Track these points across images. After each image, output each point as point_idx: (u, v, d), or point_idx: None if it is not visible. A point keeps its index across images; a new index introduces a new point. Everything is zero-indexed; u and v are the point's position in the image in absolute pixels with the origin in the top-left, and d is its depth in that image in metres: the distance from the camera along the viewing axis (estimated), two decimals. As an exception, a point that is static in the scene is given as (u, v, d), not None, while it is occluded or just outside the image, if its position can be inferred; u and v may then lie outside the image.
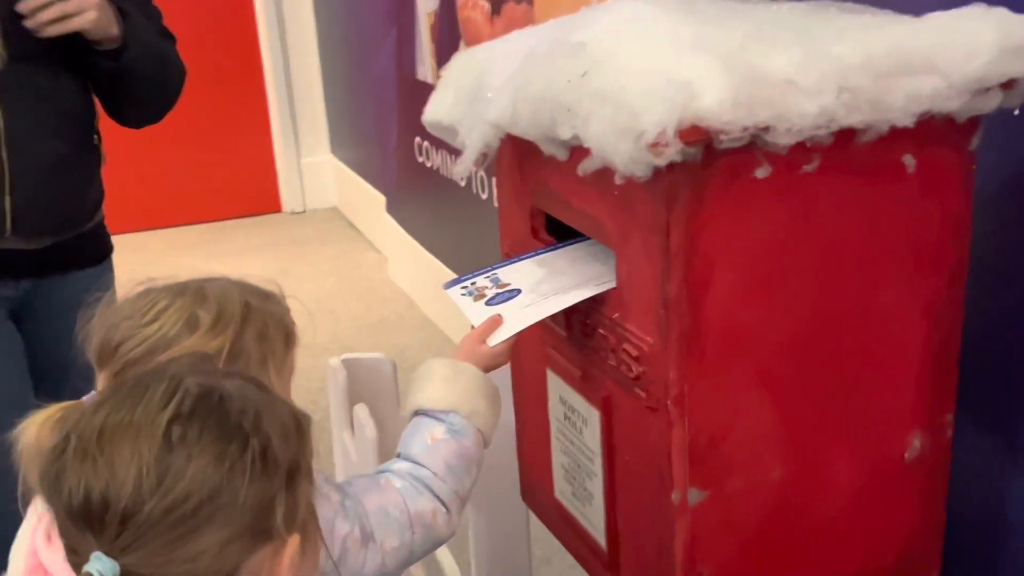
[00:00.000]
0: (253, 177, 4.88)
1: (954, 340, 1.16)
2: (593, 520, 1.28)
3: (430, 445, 1.14)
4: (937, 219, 1.11)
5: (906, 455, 1.18)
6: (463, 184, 2.85)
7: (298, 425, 0.84)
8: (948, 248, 1.12)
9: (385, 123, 3.78)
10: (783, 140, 0.98)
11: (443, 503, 1.13)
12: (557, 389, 1.30)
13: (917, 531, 1.22)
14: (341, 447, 1.75)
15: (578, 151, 1.08)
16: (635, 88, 0.99)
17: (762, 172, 1.02)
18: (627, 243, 1.09)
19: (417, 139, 3.36)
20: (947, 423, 1.19)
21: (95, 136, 1.62)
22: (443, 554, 1.26)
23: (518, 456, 1.48)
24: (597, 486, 1.25)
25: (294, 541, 0.81)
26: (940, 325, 1.14)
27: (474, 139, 1.18)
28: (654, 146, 0.96)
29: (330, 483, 1.09)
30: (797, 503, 1.15)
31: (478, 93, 1.21)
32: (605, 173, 1.04)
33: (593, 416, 1.22)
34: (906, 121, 1.01)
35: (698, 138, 0.96)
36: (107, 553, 0.72)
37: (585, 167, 1.06)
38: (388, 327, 3.49)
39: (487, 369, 1.20)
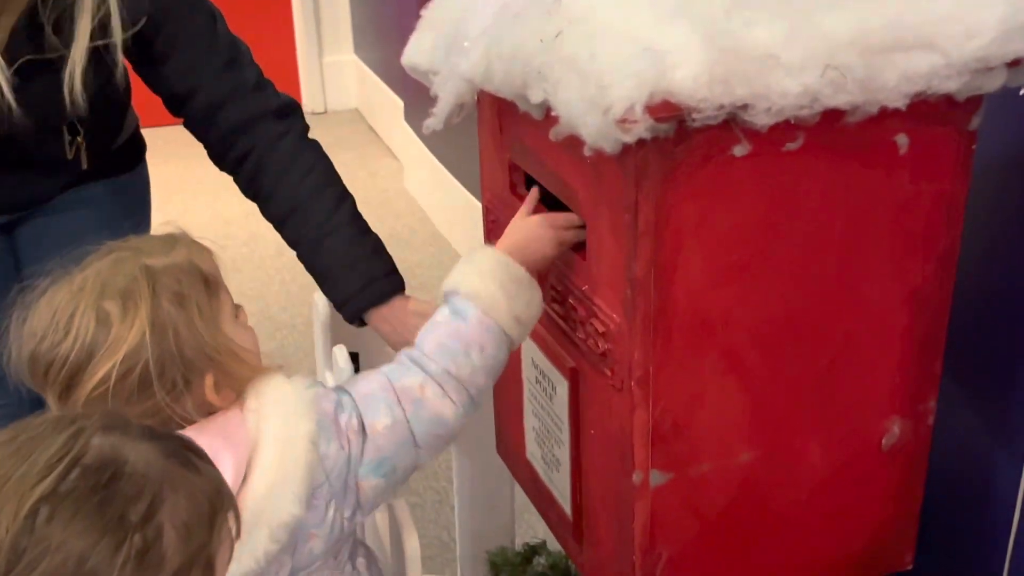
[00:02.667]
0: (273, 75, 4.69)
1: (940, 326, 1.11)
2: (560, 487, 1.25)
3: (428, 327, 1.09)
4: (929, 202, 1.04)
5: (884, 441, 1.13)
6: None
7: (212, 513, 0.73)
8: (939, 233, 1.06)
9: (407, 24, 3.68)
10: (762, 120, 0.92)
11: (432, 378, 1.06)
12: (529, 352, 1.26)
13: (891, 517, 1.18)
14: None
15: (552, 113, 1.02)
16: (606, 57, 0.92)
17: (740, 150, 0.96)
18: (596, 216, 1.04)
19: (435, 48, 3.26)
20: (929, 410, 1.14)
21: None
22: (410, 537, 1.22)
23: (494, 410, 1.45)
24: (565, 455, 1.21)
25: None
26: (925, 311, 1.09)
27: (447, 92, 1.12)
28: (622, 122, 0.89)
29: (328, 387, 1.07)
30: (764, 489, 1.11)
31: (455, 40, 1.14)
32: (577, 141, 0.98)
33: (562, 385, 1.17)
34: (898, 102, 0.94)
35: (669, 114, 0.90)
36: None
37: (556, 132, 1.00)
38: (399, 243, 3.44)
39: (524, 253, 1.11)
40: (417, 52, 1.23)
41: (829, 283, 1.04)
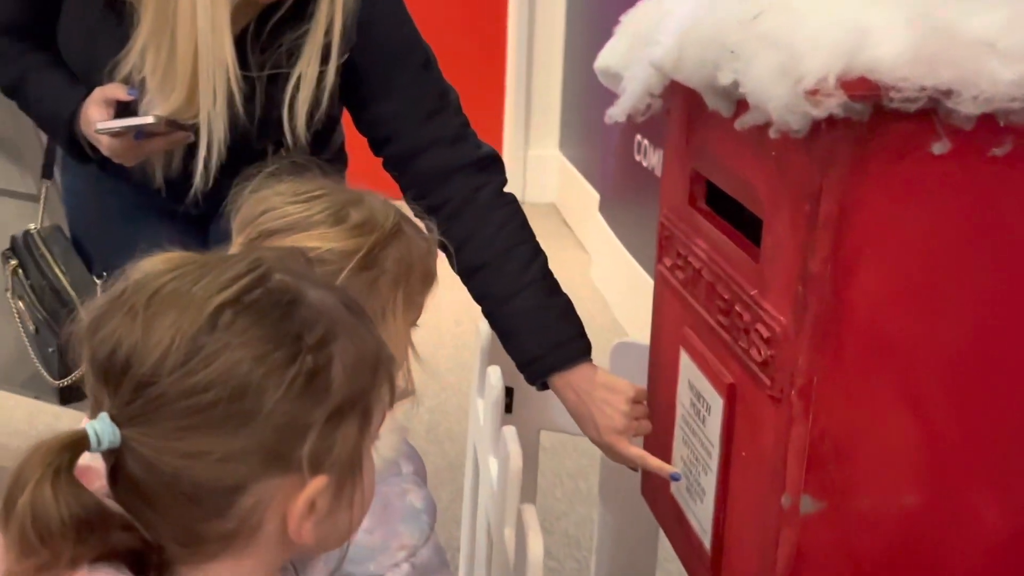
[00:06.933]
0: (478, 161, 4.90)
1: None
2: (702, 519, 1.16)
3: None
4: None
5: (1074, 512, 1.01)
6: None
7: (376, 364, 0.75)
8: None
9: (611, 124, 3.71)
10: (967, 109, 0.85)
11: None
12: (687, 373, 1.19)
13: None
14: (473, 410, 1.70)
15: (742, 106, 0.97)
16: (804, 32, 0.88)
17: (940, 148, 0.89)
18: (776, 211, 0.98)
19: (638, 136, 3.28)
20: None
21: None
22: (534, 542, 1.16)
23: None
24: (711, 483, 1.13)
25: (317, 483, 0.71)
26: None
27: (635, 82, 1.09)
28: (812, 93, 0.85)
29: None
30: (928, 541, 1.00)
31: (650, 38, 1.12)
32: (764, 132, 0.93)
33: (717, 404, 1.10)
34: None
35: (865, 92, 0.84)
36: (115, 417, 0.67)
37: (744, 121, 0.96)
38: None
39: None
40: (611, 55, 1.22)
41: (1027, 315, 0.95)
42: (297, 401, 0.68)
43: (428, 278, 1.08)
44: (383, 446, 0.98)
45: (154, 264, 0.71)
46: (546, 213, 4.84)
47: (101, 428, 0.66)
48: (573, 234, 4.44)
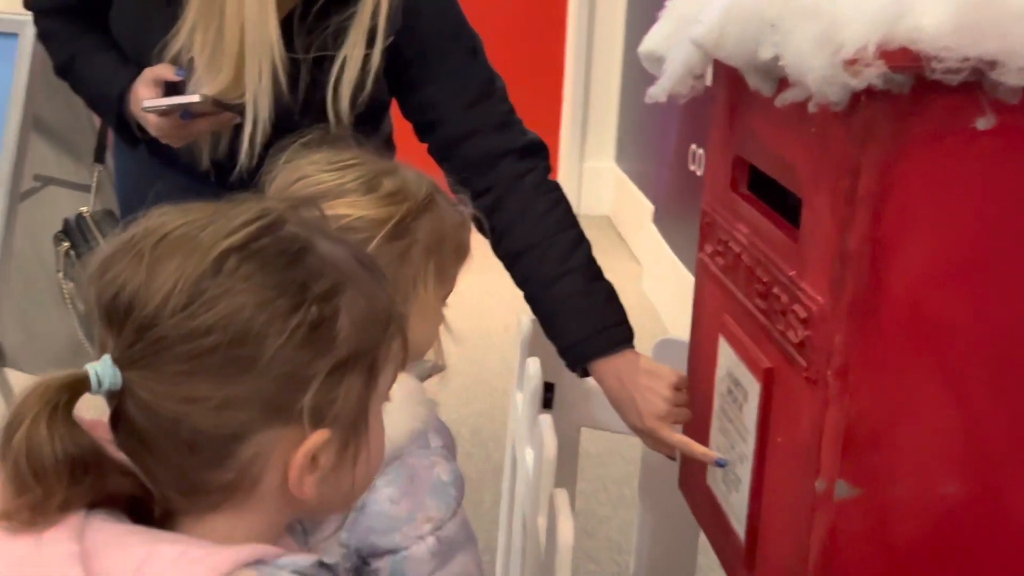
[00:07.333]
0: (534, 172, 4.89)
1: None
2: (737, 510, 1.14)
3: None
4: None
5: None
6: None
7: (387, 322, 0.74)
8: None
9: (667, 127, 3.70)
10: (1013, 81, 0.83)
11: None
12: (726, 361, 1.17)
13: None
14: (513, 405, 1.68)
15: (783, 84, 0.96)
16: (845, 2, 0.86)
17: (984, 123, 0.87)
18: (815, 189, 0.96)
19: (693, 146, 3.25)
20: None
21: None
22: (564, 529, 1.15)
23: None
24: (746, 471, 1.11)
25: (318, 437, 0.69)
26: None
27: (676, 60, 1.08)
28: (851, 63, 0.83)
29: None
30: (969, 534, 0.97)
31: (694, 19, 1.11)
32: (804, 110, 0.92)
33: (754, 390, 1.08)
34: None
35: (906, 62, 0.83)
36: (117, 359, 0.67)
37: (784, 97, 0.94)
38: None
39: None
40: (654, 39, 1.21)
41: (1075, 299, 0.92)
42: (299, 351, 0.67)
43: (461, 251, 1.07)
44: (410, 417, 0.97)
45: (168, 211, 0.71)
46: (601, 225, 4.82)
47: (102, 370, 0.66)
48: (627, 246, 4.42)
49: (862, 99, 0.86)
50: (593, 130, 4.92)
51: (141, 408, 0.67)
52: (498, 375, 3.04)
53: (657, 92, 1.11)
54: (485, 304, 3.46)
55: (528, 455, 1.44)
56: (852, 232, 0.89)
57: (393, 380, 0.76)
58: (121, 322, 0.67)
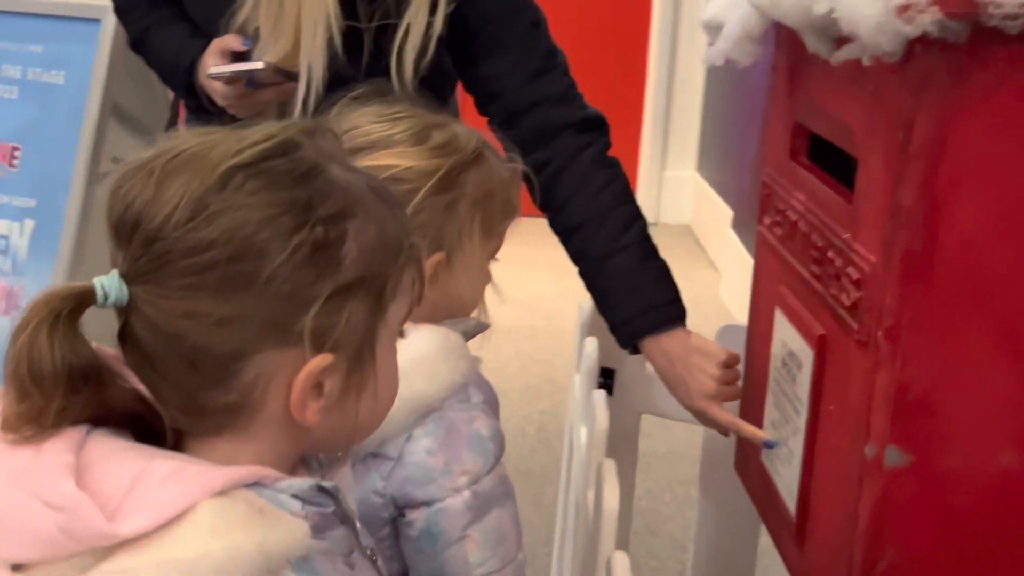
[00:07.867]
0: (614, 180, 4.88)
1: None
2: (788, 484, 1.11)
3: None
4: None
5: None
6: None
7: (397, 250, 0.72)
8: None
9: (749, 133, 3.66)
10: (1074, 27, 0.80)
11: None
12: (781, 332, 1.15)
13: None
14: (572, 389, 1.68)
15: (840, 44, 0.94)
16: (900, -51, 0.84)
17: (1045, 74, 0.84)
18: (870, 146, 0.94)
19: (771, 151, 3.21)
20: None
21: None
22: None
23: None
24: (798, 444, 1.09)
25: (320, 361, 0.68)
26: None
27: (732, 21, 1.07)
28: (904, 9, 0.81)
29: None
30: (1026, 505, 0.94)
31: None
32: (861, 69, 0.90)
33: (808, 359, 1.06)
34: None
35: (961, 8, 0.80)
36: (124, 274, 0.67)
37: (839, 55, 0.92)
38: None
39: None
40: (715, 6, 1.19)
41: None
42: (300, 270, 0.67)
43: (509, 207, 1.07)
44: (451, 370, 0.97)
45: (184, 133, 0.71)
46: (680, 233, 4.78)
47: (108, 283, 0.66)
48: (706, 254, 4.38)
49: (916, 49, 0.84)
50: (675, 139, 4.89)
51: (146, 325, 0.67)
52: (567, 375, 3.03)
53: (713, 55, 1.10)
54: (558, 305, 3.46)
55: (582, 433, 1.43)
56: (905, 187, 0.87)
57: (406, 315, 0.75)
58: (129, 236, 0.67)
